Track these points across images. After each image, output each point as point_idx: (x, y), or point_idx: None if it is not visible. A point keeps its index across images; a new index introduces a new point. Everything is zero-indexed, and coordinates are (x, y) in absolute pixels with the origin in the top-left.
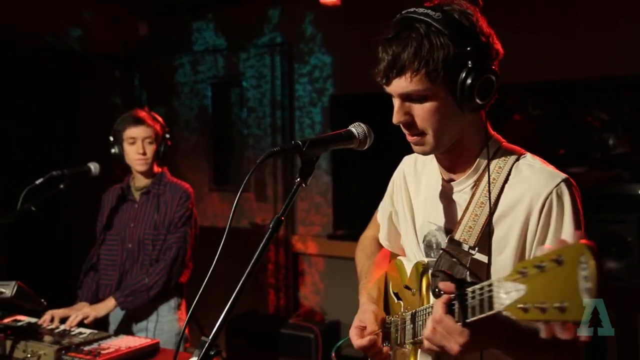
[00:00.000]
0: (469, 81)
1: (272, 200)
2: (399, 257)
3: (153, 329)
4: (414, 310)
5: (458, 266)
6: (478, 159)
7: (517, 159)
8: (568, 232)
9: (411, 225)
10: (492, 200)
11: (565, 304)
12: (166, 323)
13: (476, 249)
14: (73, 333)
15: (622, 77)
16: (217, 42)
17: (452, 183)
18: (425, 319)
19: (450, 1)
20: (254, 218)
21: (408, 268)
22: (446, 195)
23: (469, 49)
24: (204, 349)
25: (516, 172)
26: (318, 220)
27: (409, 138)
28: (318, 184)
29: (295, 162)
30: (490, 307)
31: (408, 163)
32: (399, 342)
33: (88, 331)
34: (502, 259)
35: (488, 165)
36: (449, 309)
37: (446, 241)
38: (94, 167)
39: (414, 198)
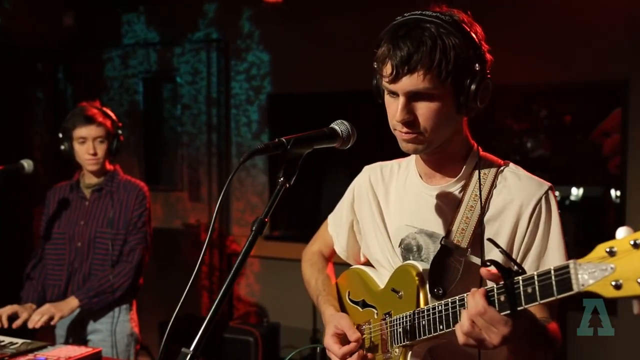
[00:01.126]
0: (474, 85)
1: (207, 200)
2: (356, 266)
3: (109, 330)
4: (406, 312)
5: (455, 266)
6: (465, 165)
7: (500, 167)
8: (556, 236)
9: (384, 232)
10: (482, 203)
11: None
12: (119, 324)
13: (469, 250)
14: (3, 343)
15: (542, 84)
16: (149, 36)
17: (437, 187)
18: (432, 317)
19: (446, 9)
20: (187, 218)
21: (376, 274)
22: (430, 199)
23: (477, 53)
24: None
25: (502, 178)
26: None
27: (404, 136)
28: (254, 184)
29: (230, 163)
30: (566, 289)
31: (373, 172)
32: (379, 349)
33: (20, 341)
34: (493, 257)
35: (479, 169)
36: (488, 300)
37: (440, 243)
38: (27, 164)
39: (384, 205)
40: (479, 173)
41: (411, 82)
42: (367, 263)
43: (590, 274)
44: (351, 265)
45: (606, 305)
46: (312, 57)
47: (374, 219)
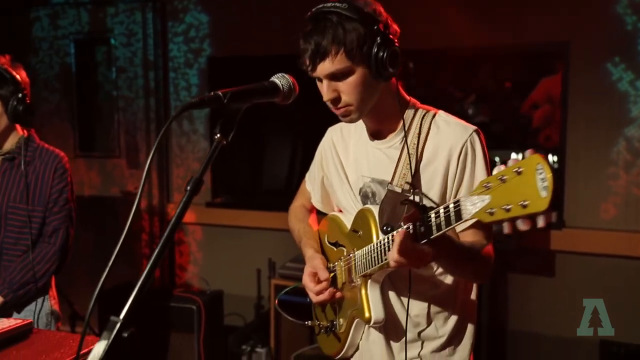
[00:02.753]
0: (380, 54)
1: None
2: (332, 213)
3: (31, 313)
4: (365, 247)
5: (399, 206)
6: (402, 120)
7: (434, 116)
8: (480, 172)
9: (346, 182)
10: (419, 151)
11: (527, 202)
12: (43, 309)
13: (411, 191)
14: None
15: (481, 48)
16: None
17: (381, 141)
18: (380, 250)
19: None
20: (125, 186)
21: (346, 219)
22: (377, 152)
23: (375, 28)
24: (115, 330)
25: (435, 126)
26: None
27: (337, 111)
28: (195, 150)
29: (170, 129)
30: (459, 218)
31: (334, 132)
32: (345, 280)
33: None
34: (431, 196)
35: (405, 124)
36: (410, 235)
37: (387, 188)
38: None
39: (344, 160)
40: (404, 125)
41: (325, 66)
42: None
43: (473, 205)
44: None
45: (544, 267)
46: (253, 18)
47: (338, 172)
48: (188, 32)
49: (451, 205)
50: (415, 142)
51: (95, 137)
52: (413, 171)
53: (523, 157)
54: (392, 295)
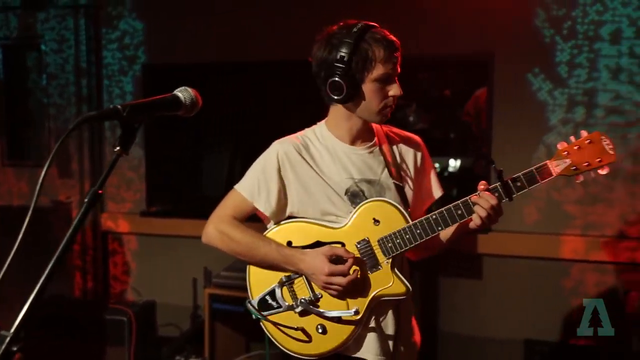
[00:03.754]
0: None
1: (78, 176)
2: (289, 222)
3: None
4: (399, 229)
5: (404, 196)
6: (373, 130)
7: (385, 129)
8: (433, 169)
9: (327, 186)
10: (393, 156)
11: (600, 158)
12: None
13: (406, 184)
14: None
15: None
16: None
17: (360, 147)
18: (425, 225)
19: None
20: (56, 195)
21: (322, 222)
22: (360, 157)
23: None
24: (5, 345)
25: (394, 136)
26: (130, 196)
27: (392, 109)
28: (129, 159)
29: (104, 136)
30: (548, 175)
31: (293, 143)
32: (366, 267)
33: None
34: (408, 187)
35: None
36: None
37: (391, 182)
38: None
39: (314, 167)
40: (379, 134)
41: (398, 67)
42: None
43: (558, 166)
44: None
45: (472, 270)
46: (189, 26)
47: (315, 177)
48: (122, 39)
49: (535, 169)
50: (389, 148)
51: (25, 145)
52: (397, 169)
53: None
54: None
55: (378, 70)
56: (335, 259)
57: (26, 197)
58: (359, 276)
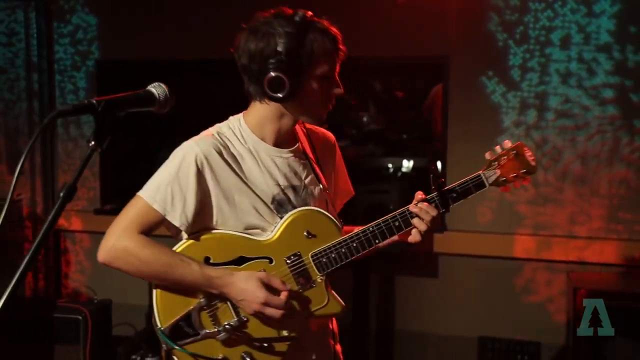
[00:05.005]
0: None
1: (29, 173)
2: (207, 234)
3: None
4: (333, 243)
5: (329, 200)
6: (296, 131)
7: (303, 126)
8: (343, 161)
9: (251, 194)
10: (313, 155)
11: (525, 170)
12: None
13: (328, 189)
14: None
15: (373, 59)
16: None
17: (287, 150)
18: (362, 240)
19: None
20: (6, 193)
21: (246, 234)
22: (284, 160)
23: None
24: None
25: (310, 133)
26: (84, 194)
27: (330, 108)
28: (82, 156)
29: (56, 133)
30: (482, 186)
31: (213, 143)
32: (297, 285)
33: None
34: (330, 189)
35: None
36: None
37: (317, 189)
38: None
39: (239, 171)
40: (299, 133)
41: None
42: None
43: (490, 177)
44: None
45: (428, 268)
46: (144, 21)
47: (239, 185)
48: (75, 33)
49: (470, 180)
50: (309, 148)
51: None
52: (319, 171)
53: (506, 147)
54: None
55: (323, 66)
56: (270, 288)
57: None
58: (293, 295)
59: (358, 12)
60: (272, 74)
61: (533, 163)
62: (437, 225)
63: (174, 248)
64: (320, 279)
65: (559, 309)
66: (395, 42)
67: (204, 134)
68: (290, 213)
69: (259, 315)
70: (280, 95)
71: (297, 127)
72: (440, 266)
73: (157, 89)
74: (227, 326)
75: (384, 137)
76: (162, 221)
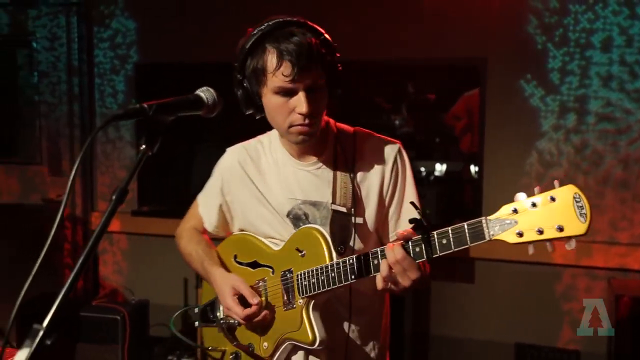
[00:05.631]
0: (338, 73)
1: (68, 174)
2: (241, 232)
3: None
4: (316, 267)
5: (348, 226)
6: (328, 140)
7: (355, 134)
8: (410, 185)
9: (267, 205)
10: (351, 170)
11: (563, 225)
12: None
13: (352, 209)
14: None
15: (409, 60)
16: None
17: (308, 162)
18: (341, 271)
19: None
20: (46, 193)
21: (266, 240)
22: (306, 174)
23: (333, 46)
24: (38, 338)
25: (360, 144)
26: None
27: (305, 128)
28: (120, 157)
29: (96, 135)
30: (478, 239)
31: (239, 153)
32: (276, 302)
33: None
34: (369, 212)
35: (334, 145)
36: (405, 251)
37: (331, 209)
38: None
39: (259, 183)
40: (336, 145)
41: (311, 76)
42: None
43: (499, 226)
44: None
45: (464, 274)
46: (181, 25)
47: (255, 197)
48: (115, 38)
49: (467, 227)
50: (345, 160)
51: (15, 142)
52: (351, 189)
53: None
54: (328, 318)
55: (273, 82)
56: (242, 297)
57: (16, 195)
58: (267, 311)
59: (394, 14)
60: (235, 89)
61: (582, 220)
62: (411, 277)
63: (223, 240)
64: (300, 302)
65: (599, 317)
66: (432, 44)
67: (244, 143)
68: (298, 229)
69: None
70: (244, 110)
71: (348, 133)
72: (476, 271)
73: (205, 93)
74: (223, 322)
75: (416, 140)
76: None
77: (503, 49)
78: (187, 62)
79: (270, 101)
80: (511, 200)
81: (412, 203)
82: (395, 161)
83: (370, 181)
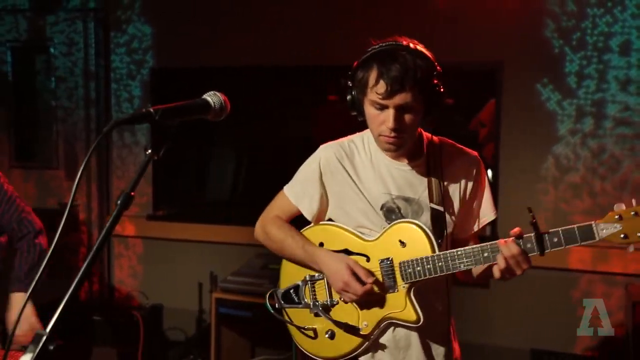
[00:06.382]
0: (439, 97)
1: (85, 180)
2: (326, 223)
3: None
4: (424, 257)
5: (441, 223)
6: (423, 147)
7: (440, 142)
8: (487, 188)
9: (363, 198)
10: (440, 174)
11: None
12: None
13: (448, 209)
14: None
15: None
16: (18, 1)
17: (403, 163)
18: (449, 261)
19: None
20: (63, 197)
21: (356, 230)
22: (402, 172)
23: (437, 71)
24: (42, 343)
25: (446, 152)
26: (136, 200)
27: (391, 140)
28: (136, 162)
29: (112, 140)
30: (588, 238)
31: (335, 150)
32: (382, 286)
33: None
34: (455, 211)
35: (429, 151)
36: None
37: (429, 205)
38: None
39: (355, 177)
40: (428, 152)
41: (402, 98)
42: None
43: (607, 230)
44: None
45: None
46: (197, 30)
47: (352, 189)
48: (131, 43)
49: (577, 228)
50: (435, 165)
51: (32, 147)
52: (443, 191)
53: None
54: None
55: (371, 96)
56: (356, 275)
57: (33, 199)
58: (375, 291)
59: (413, 18)
60: (346, 94)
61: None
62: (522, 266)
63: (303, 229)
64: (403, 287)
65: (616, 323)
66: (447, 49)
67: (337, 141)
68: (395, 222)
69: (343, 293)
70: (352, 113)
71: (435, 142)
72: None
73: (212, 97)
74: (316, 303)
75: None
76: (296, 210)
77: (519, 53)
78: (203, 66)
79: (368, 110)
80: (525, 203)
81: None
82: (476, 169)
83: (455, 186)
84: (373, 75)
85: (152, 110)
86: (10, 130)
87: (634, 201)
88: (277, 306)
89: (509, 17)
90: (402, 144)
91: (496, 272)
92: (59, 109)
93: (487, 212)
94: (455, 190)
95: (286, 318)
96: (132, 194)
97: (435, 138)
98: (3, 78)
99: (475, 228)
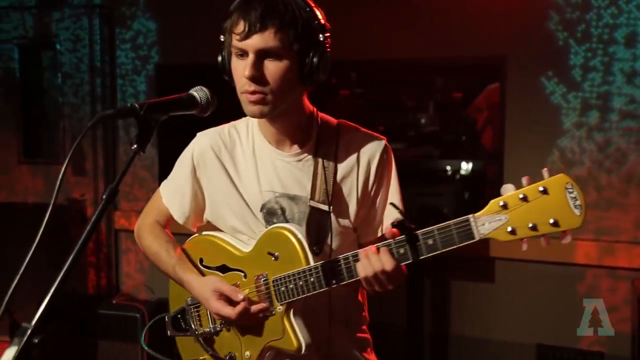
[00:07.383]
0: (317, 57)
1: (92, 174)
2: (206, 233)
3: None
4: (293, 272)
5: (324, 225)
6: (311, 130)
7: (339, 125)
8: (394, 183)
9: (239, 198)
10: (333, 164)
11: (558, 219)
12: None
13: (331, 207)
14: None
15: (431, 59)
16: None
17: (289, 153)
18: (320, 275)
19: None
20: (70, 193)
21: (233, 241)
22: (287, 165)
23: (321, 25)
24: (26, 336)
25: (344, 138)
26: (143, 195)
27: (251, 97)
28: (142, 157)
29: (118, 136)
30: (468, 239)
31: (211, 138)
32: (261, 310)
33: None
34: (351, 209)
35: (316, 135)
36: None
37: (309, 205)
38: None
39: (232, 172)
40: (317, 136)
41: (262, 39)
42: (207, 228)
43: (489, 224)
44: (194, 232)
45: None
46: (202, 26)
47: (227, 187)
48: (136, 39)
49: (453, 225)
50: (328, 154)
51: (40, 143)
52: (332, 185)
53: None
54: (307, 319)
55: (233, 42)
56: (227, 298)
57: (41, 195)
58: (253, 314)
59: (416, 13)
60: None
61: (577, 211)
62: (393, 278)
63: (189, 239)
64: (280, 309)
65: (623, 318)
66: (452, 42)
67: (218, 128)
68: (267, 228)
69: (222, 321)
70: (224, 77)
71: (331, 125)
72: (496, 271)
73: (198, 92)
74: (197, 332)
75: (443, 139)
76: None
77: (523, 46)
78: (208, 62)
79: (232, 65)
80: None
81: (392, 204)
82: (381, 159)
83: (353, 178)
84: (235, 17)
85: (137, 105)
86: (18, 127)
87: (524, 180)
88: (168, 334)
89: (512, 9)
90: (267, 103)
91: (364, 284)
92: (65, 106)
93: (392, 214)
94: (354, 184)
95: (178, 348)
96: (117, 188)
97: (333, 120)
98: (10, 75)
99: (379, 233)
